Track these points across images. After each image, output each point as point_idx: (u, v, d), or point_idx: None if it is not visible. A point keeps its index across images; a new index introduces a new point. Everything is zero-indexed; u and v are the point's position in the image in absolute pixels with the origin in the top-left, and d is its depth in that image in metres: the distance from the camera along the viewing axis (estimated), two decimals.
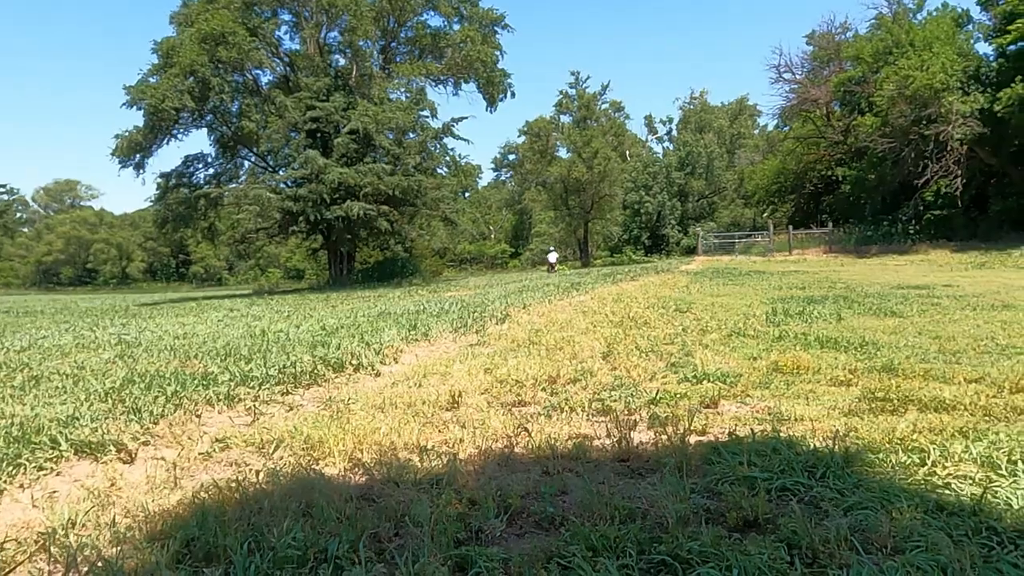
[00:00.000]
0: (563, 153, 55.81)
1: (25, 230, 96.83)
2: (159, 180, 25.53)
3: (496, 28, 26.24)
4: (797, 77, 42.40)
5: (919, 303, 8.54)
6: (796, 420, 3.29)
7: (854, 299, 9.22)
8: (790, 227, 33.48)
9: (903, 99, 28.63)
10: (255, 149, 23.95)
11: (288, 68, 23.70)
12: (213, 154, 26.01)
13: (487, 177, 79.68)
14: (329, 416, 3.72)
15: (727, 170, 75.95)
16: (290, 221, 20.37)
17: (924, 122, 28.74)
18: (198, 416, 3.81)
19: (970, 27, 33.96)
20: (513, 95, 27.44)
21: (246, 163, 26.32)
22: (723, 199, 76.62)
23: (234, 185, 22.41)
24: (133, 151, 22.68)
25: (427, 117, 23.30)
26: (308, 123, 20.82)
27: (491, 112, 28.18)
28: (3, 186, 23.78)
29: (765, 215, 59.42)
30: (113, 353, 7.14)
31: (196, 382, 4.88)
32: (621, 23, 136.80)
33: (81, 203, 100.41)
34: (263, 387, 4.50)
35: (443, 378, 4.70)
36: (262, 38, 22.34)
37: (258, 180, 21.70)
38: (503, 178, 76.71)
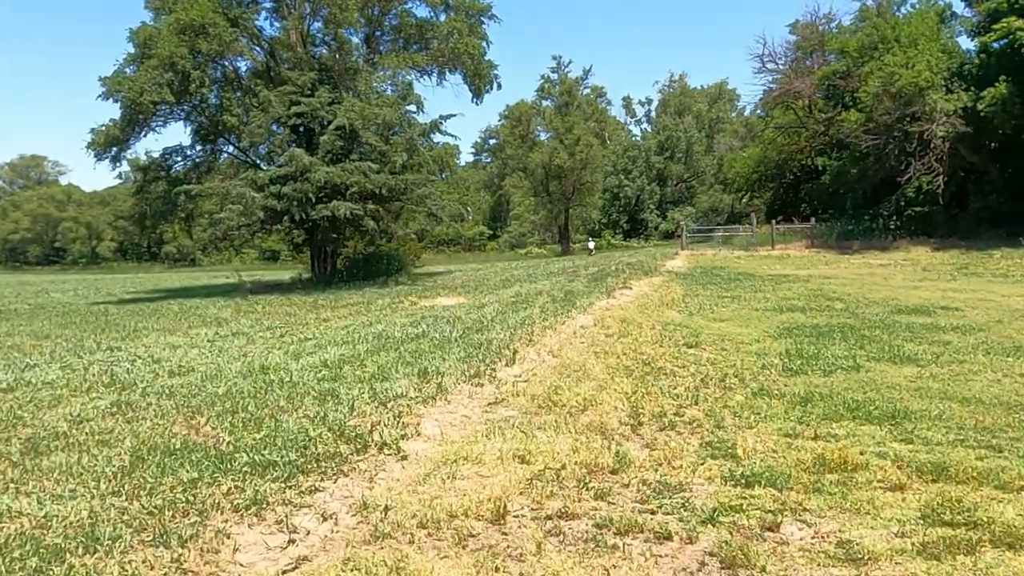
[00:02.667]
0: (544, 138, 55.47)
1: None
2: (137, 174, 24.85)
3: (483, 18, 25.72)
4: (780, 67, 42.34)
5: (928, 341, 8.50)
6: (871, 559, 3.15)
7: (862, 331, 9.17)
8: (773, 221, 33.57)
9: (888, 96, 28.71)
10: (236, 142, 23.28)
11: (269, 57, 22.99)
12: (191, 145, 25.31)
13: (465, 158, 78.97)
14: (372, 534, 3.52)
15: (706, 155, 76.14)
16: (274, 219, 19.87)
17: (908, 119, 28.85)
18: (227, 537, 3.57)
19: (953, 22, 34.13)
20: (499, 86, 27.02)
21: (224, 154, 25.62)
22: (701, 183, 76.93)
23: (216, 181, 21.76)
24: (110, 144, 21.95)
25: (414, 112, 22.83)
26: (292, 118, 20.25)
27: (477, 104, 27.76)
28: None
29: (744, 201, 59.78)
30: (109, 400, 6.84)
31: (212, 465, 4.64)
32: (600, 2, 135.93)
33: (48, 179, 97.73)
34: (289, 483, 4.26)
35: (476, 466, 4.50)
36: (243, 28, 21.63)
37: (239, 176, 21.09)
38: (483, 160, 76.17)
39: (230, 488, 4.24)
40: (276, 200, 19.09)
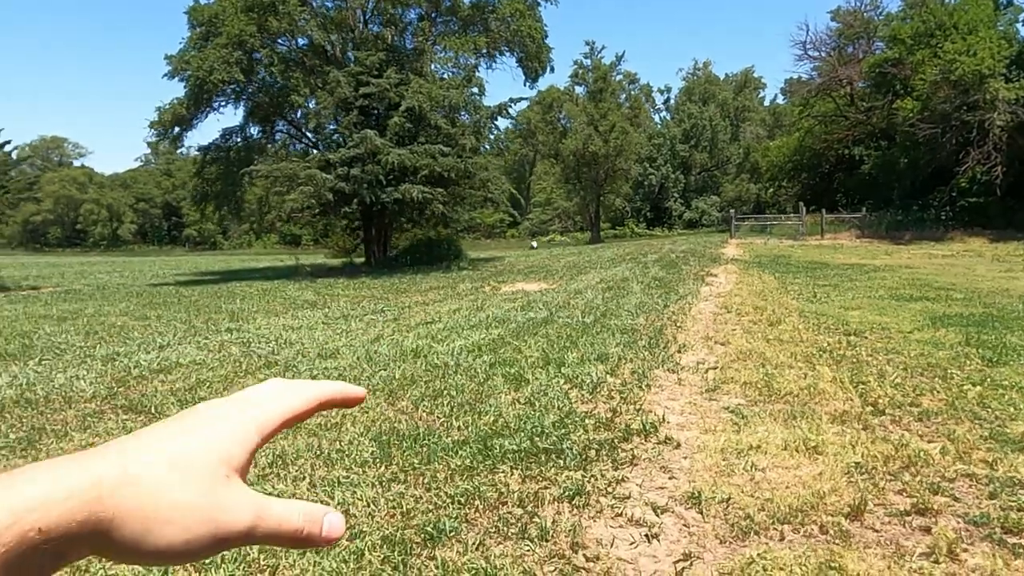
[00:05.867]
0: (572, 124, 54.88)
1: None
2: (197, 154, 24.63)
3: (539, 0, 25.29)
4: (822, 55, 41.75)
5: None
6: None
7: (1018, 322, 8.87)
8: (822, 211, 33.12)
9: (947, 84, 28.20)
10: (298, 122, 22.97)
11: (332, 38, 22.64)
12: (243, 126, 25.05)
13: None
14: (733, 530, 3.28)
15: (731, 143, 75.38)
16: (342, 202, 19.59)
17: (965, 108, 28.38)
18: (585, 530, 3.33)
19: (1009, 9, 33.50)
20: (552, 70, 26.61)
21: (278, 135, 25.35)
22: (725, 173, 76.26)
23: (269, 163, 21.48)
24: (174, 123, 21.70)
25: (477, 95, 22.44)
26: (359, 99, 19.92)
27: (530, 87, 27.43)
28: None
29: (770, 192, 59.23)
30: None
31: (470, 453, 4.40)
32: None
33: (68, 161, 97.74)
34: (586, 472, 4.02)
35: (765, 456, 4.24)
36: (310, 6, 21.27)
37: (307, 158, 20.82)
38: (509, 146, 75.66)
39: (524, 477, 4.00)
40: (344, 183, 18.81)
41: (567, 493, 3.71)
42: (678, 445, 4.52)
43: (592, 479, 3.93)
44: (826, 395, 5.62)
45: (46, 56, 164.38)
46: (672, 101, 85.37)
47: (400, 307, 12.51)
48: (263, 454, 4.57)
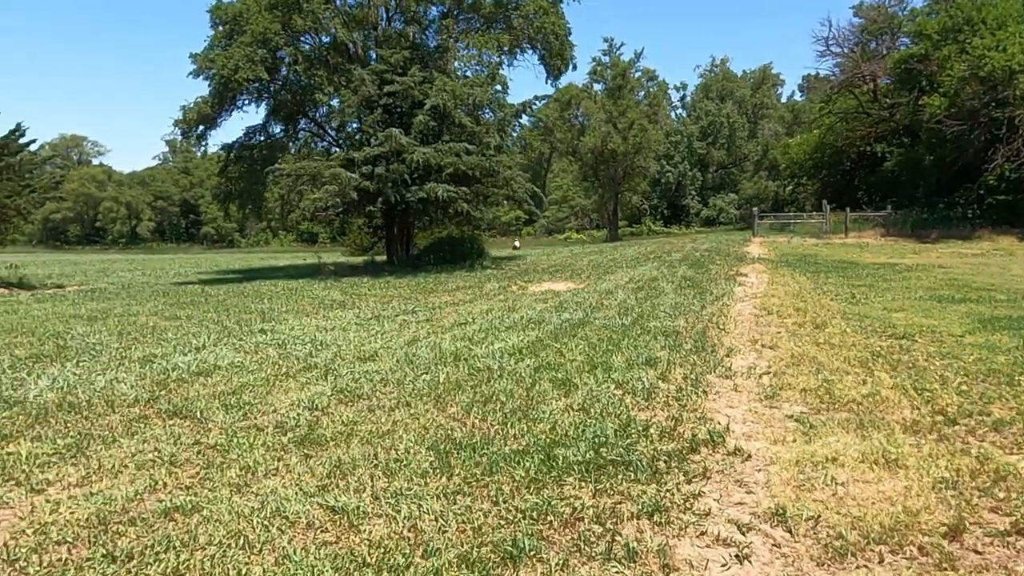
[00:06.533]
0: (590, 122, 54.59)
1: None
2: (218, 152, 24.66)
3: None
4: (845, 51, 41.23)
5: None
6: None
7: None
8: (847, 209, 32.71)
9: (976, 80, 27.75)
10: (324, 123, 22.93)
11: (355, 36, 22.54)
12: (264, 125, 25.04)
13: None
14: (827, 551, 3.11)
15: (749, 140, 74.80)
16: (366, 201, 19.50)
17: (994, 104, 27.92)
18: (673, 550, 3.18)
19: None
20: (575, 67, 26.39)
21: (301, 133, 25.32)
22: (743, 170, 75.71)
23: (291, 162, 21.45)
24: (199, 122, 21.72)
25: (501, 93, 22.30)
26: (383, 98, 19.82)
27: (552, 85, 27.17)
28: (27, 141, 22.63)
29: (789, 189, 58.63)
30: (325, 387, 6.49)
31: (534, 465, 4.25)
32: None
33: (89, 160, 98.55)
34: (661, 486, 3.86)
35: (842, 470, 4.07)
36: (334, 3, 21.19)
37: (331, 157, 20.76)
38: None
39: (596, 491, 3.85)
40: (369, 181, 18.72)
41: (645, 509, 3.56)
42: (749, 456, 4.35)
43: (668, 493, 3.77)
44: (890, 403, 5.43)
45: (65, 55, 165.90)
46: (688, 98, 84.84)
47: (430, 307, 12.39)
48: (320, 463, 4.45)
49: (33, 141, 20.94)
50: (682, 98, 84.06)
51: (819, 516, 3.47)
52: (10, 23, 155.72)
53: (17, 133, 20.94)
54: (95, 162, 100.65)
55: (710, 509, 3.62)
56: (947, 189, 32.65)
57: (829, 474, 4.00)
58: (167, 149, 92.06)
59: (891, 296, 11.67)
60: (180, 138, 22.30)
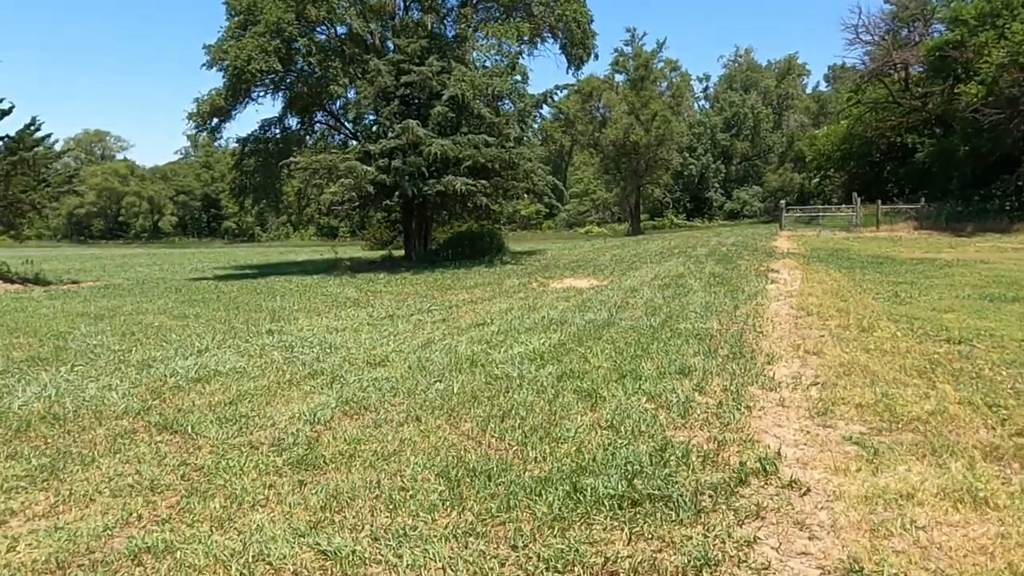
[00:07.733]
0: (612, 114, 53.72)
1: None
2: (235, 146, 24.33)
3: None
4: (875, 39, 40.01)
5: None
6: None
7: None
8: (878, 201, 31.69)
9: (1015, 67, 26.64)
10: (340, 115, 22.46)
11: (371, 26, 21.99)
12: (279, 118, 24.63)
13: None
14: None
15: (773, 132, 73.44)
16: (382, 194, 19.00)
17: None
18: None
19: None
20: (597, 57, 25.67)
21: (317, 126, 24.89)
22: (767, 162, 74.36)
23: (307, 154, 21.02)
24: (213, 115, 21.36)
25: (520, 83, 21.65)
26: (400, 89, 19.27)
27: (573, 75, 26.43)
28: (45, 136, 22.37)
29: (815, 182, 57.37)
30: (329, 397, 5.99)
31: (559, 499, 3.69)
32: None
33: (112, 155, 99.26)
34: (707, 529, 3.29)
35: (921, 508, 3.47)
36: None
37: (347, 150, 20.31)
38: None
39: (631, 535, 3.28)
40: (385, 174, 18.22)
41: (692, 561, 2.99)
42: (808, 490, 3.76)
43: (717, 540, 3.19)
44: (961, 422, 4.81)
45: (88, 49, 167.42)
46: (711, 89, 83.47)
47: (447, 306, 11.86)
48: (315, 492, 3.93)
49: (49, 135, 20.66)
50: (705, 89, 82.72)
51: (904, 574, 2.87)
52: (39, 17, 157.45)
53: (32, 127, 20.69)
54: (119, 157, 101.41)
55: (769, 562, 3.04)
56: (983, 180, 31.50)
57: (907, 515, 3.40)
58: (189, 144, 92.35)
59: (937, 295, 10.94)
60: (195, 132, 21.94)
